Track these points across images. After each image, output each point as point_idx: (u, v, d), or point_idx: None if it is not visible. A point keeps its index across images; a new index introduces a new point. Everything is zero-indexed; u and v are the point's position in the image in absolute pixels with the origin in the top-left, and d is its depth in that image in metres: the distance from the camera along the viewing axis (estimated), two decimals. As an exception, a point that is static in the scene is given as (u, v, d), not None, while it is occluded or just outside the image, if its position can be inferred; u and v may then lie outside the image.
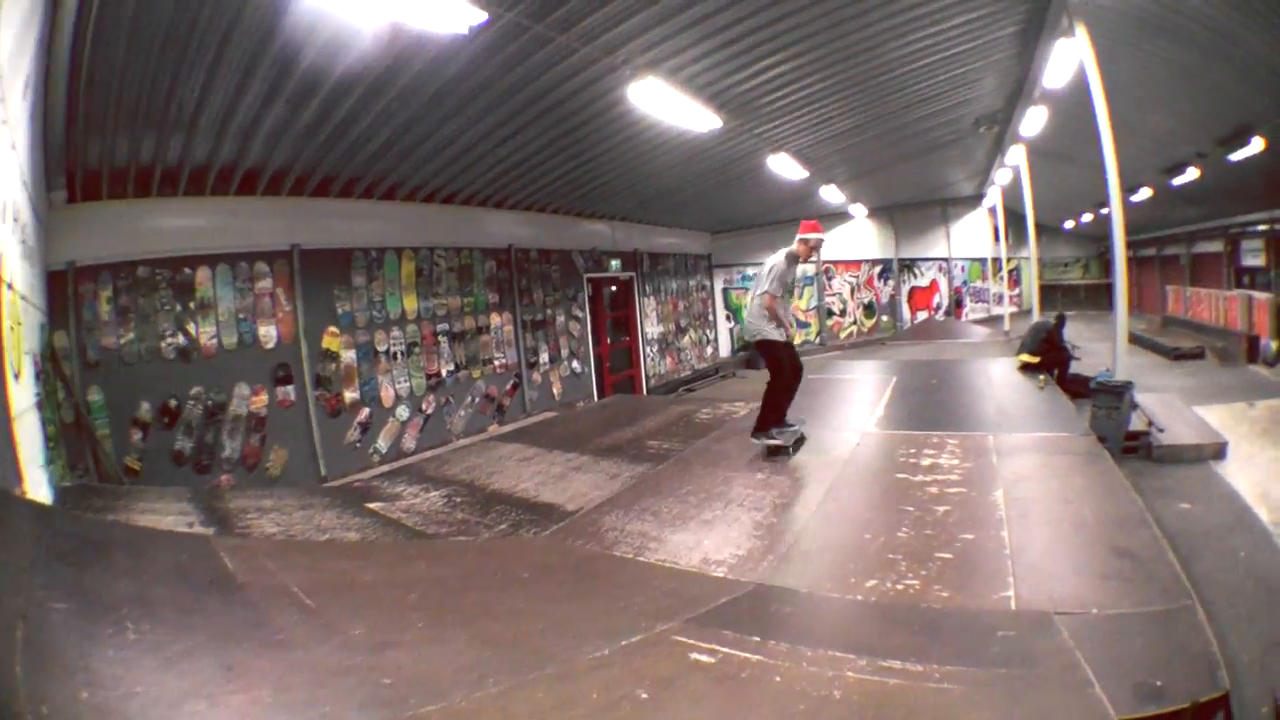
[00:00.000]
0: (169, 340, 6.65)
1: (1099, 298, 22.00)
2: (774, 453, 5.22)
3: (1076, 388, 7.51)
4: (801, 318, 18.82)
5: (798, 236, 5.22)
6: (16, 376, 3.53)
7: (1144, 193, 14.56)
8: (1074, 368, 8.49)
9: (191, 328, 6.80)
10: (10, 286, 3.65)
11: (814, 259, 6.12)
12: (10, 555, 2.27)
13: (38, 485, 3.55)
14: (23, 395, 3.61)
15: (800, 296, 18.50)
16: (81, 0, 3.99)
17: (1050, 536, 3.30)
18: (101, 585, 2.37)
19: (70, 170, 5.71)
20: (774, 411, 5.37)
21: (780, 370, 5.33)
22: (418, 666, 1.97)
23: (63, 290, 5.96)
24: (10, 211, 3.70)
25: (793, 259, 5.29)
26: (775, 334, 5.23)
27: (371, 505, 4.90)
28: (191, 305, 6.81)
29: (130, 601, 2.26)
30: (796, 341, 22.34)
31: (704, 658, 2.16)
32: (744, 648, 2.24)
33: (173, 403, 6.60)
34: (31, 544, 2.57)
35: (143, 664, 1.95)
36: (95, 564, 2.54)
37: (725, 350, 17.32)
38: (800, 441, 5.42)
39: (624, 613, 2.57)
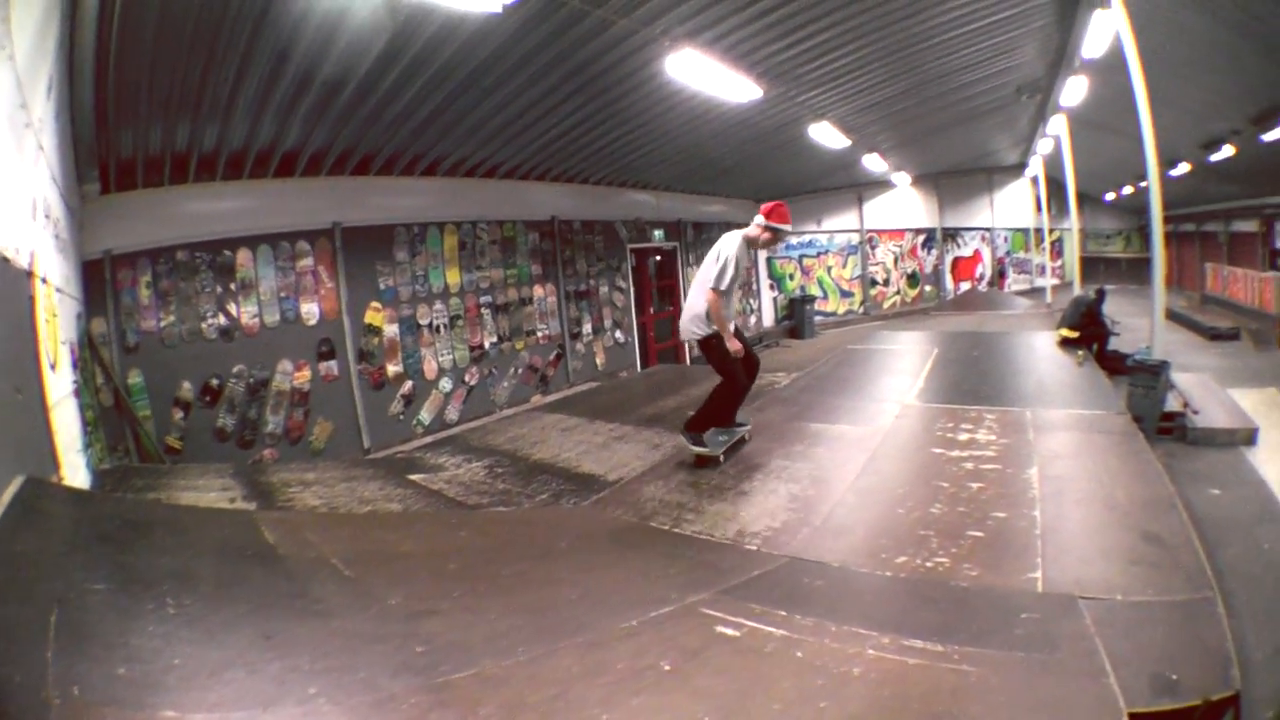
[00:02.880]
0: (210, 321, 6.82)
1: (1140, 272, 20.92)
2: (702, 463, 4.43)
3: (1114, 364, 7.35)
4: (845, 286, 18.57)
5: (759, 220, 4.43)
6: (53, 366, 3.65)
7: (1183, 167, 14.11)
8: (1113, 344, 8.26)
9: (233, 308, 6.96)
10: (44, 281, 3.75)
11: (774, 249, 5.35)
12: (47, 542, 2.33)
13: (75, 470, 3.66)
14: (60, 384, 3.73)
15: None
16: (103, 2, 4.06)
17: (1081, 517, 3.26)
18: (143, 563, 2.46)
19: (103, 162, 5.82)
20: (719, 414, 4.55)
21: (733, 372, 4.44)
22: (451, 634, 2.02)
23: (100, 278, 6.12)
24: (41, 209, 3.81)
25: (749, 245, 4.49)
26: (707, 329, 4.39)
27: (414, 476, 4.93)
28: (233, 286, 6.97)
29: (171, 578, 2.34)
30: (839, 311, 19.28)
31: (730, 630, 2.19)
32: (771, 621, 2.26)
33: (214, 381, 6.78)
34: (71, 528, 2.64)
35: (182, 636, 2.01)
36: (137, 543, 2.63)
37: (769, 319, 17.32)
38: (740, 444, 4.72)
39: (657, 583, 2.62)
